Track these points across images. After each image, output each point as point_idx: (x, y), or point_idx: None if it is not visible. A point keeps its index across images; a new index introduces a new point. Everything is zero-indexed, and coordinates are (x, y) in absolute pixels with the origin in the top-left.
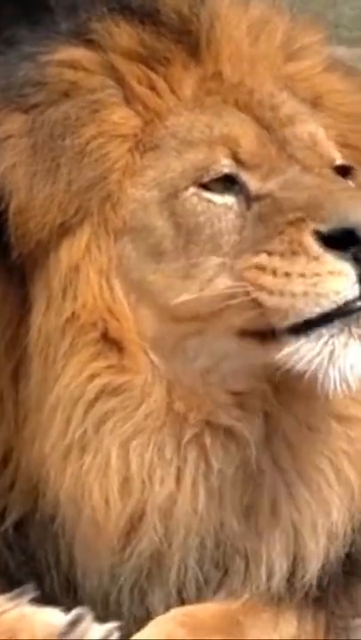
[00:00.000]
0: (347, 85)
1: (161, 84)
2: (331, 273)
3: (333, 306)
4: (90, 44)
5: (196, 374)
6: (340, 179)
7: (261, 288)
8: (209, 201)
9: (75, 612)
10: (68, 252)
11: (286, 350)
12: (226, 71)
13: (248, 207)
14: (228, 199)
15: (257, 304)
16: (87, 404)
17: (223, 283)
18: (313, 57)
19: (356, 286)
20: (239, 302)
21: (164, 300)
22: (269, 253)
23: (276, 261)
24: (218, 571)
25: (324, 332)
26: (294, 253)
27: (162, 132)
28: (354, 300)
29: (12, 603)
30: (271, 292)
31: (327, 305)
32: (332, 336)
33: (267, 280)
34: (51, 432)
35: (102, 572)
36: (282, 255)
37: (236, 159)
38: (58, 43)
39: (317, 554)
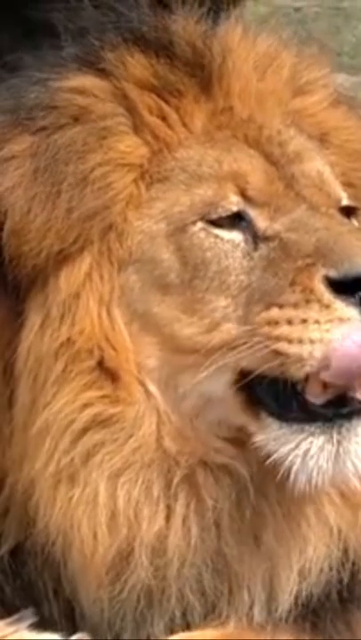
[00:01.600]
0: (352, 122)
1: (172, 115)
2: (340, 319)
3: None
4: (101, 72)
5: (185, 416)
6: (346, 220)
7: (279, 339)
8: (216, 236)
9: (75, 637)
10: (68, 280)
11: (265, 435)
12: (236, 106)
13: (255, 247)
14: (236, 236)
15: (277, 354)
16: (76, 433)
17: (232, 330)
18: (319, 92)
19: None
20: (255, 351)
21: (168, 331)
22: (281, 306)
23: (289, 312)
24: (220, 597)
25: (306, 428)
26: (308, 302)
27: (171, 163)
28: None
29: (12, 628)
30: (290, 341)
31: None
32: (311, 434)
33: (284, 330)
34: (37, 458)
35: (102, 601)
36: (295, 305)
37: (245, 196)
38: (69, 70)
39: (288, 587)
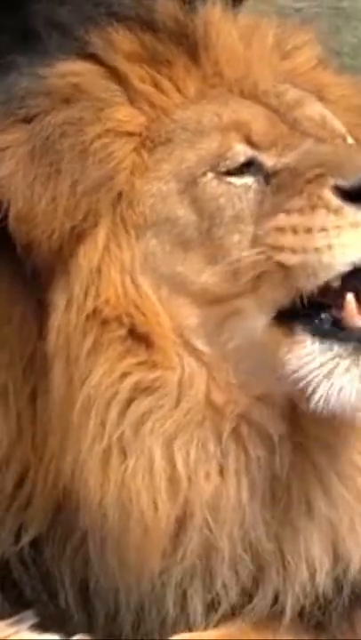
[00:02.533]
0: (344, 78)
1: (165, 83)
2: (352, 225)
3: (359, 257)
4: (89, 56)
5: (230, 362)
6: (355, 145)
7: (283, 249)
8: (229, 183)
9: (75, 638)
10: (87, 257)
11: (294, 352)
12: (226, 71)
13: (267, 183)
14: (248, 179)
15: (281, 267)
16: (122, 404)
17: (246, 254)
18: (306, 53)
19: None
20: (264, 270)
21: (197, 287)
22: (287, 212)
23: (295, 219)
24: (271, 564)
25: (335, 348)
26: (314, 207)
27: (171, 126)
28: None
29: (13, 629)
30: (294, 251)
31: (353, 256)
32: (339, 355)
33: (288, 239)
34: (85, 436)
35: (151, 578)
36: (301, 211)
37: (250, 142)
38: (57, 60)
39: (358, 551)
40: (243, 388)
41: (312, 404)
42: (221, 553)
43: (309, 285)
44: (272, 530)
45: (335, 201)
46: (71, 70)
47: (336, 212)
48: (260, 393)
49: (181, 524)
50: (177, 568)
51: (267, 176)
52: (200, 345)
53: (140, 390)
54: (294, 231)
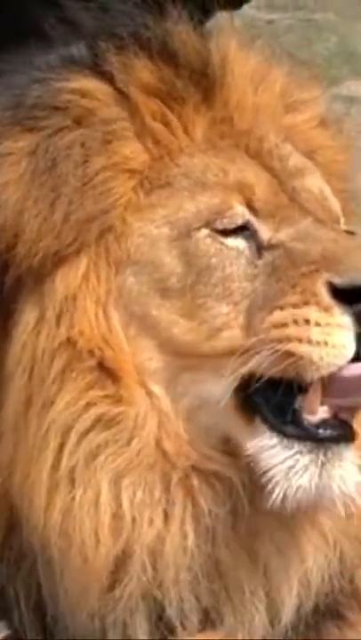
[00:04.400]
0: (338, 142)
1: (175, 122)
2: (338, 326)
3: (345, 360)
4: (104, 75)
5: (181, 416)
6: (352, 237)
7: (290, 339)
8: (222, 243)
9: None
10: (64, 281)
11: (255, 442)
12: (235, 117)
13: (260, 255)
14: (240, 243)
15: (290, 355)
16: (81, 433)
17: (237, 337)
18: (309, 111)
19: (354, 344)
20: (267, 356)
21: (167, 335)
22: (282, 308)
23: (291, 312)
24: (219, 606)
25: (296, 445)
26: (306, 303)
27: (173, 170)
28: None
29: None
30: (300, 340)
31: (342, 357)
32: (299, 452)
33: (292, 330)
34: (38, 458)
35: (94, 606)
36: (295, 306)
37: (250, 207)
38: (70, 71)
39: (290, 600)
40: (192, 443)
41: (270, 499)
42: (167, 595)
43: (313, 375)
44: (217, 575)
45: (326, 298)
46: (86, 89)
47: (326, 309)
48: (215, 447)
49: (121, 562)
50: (118, 605)
51: (260, 247)
52: (156, 390)
53: (102, 422)
54: (295, 322)
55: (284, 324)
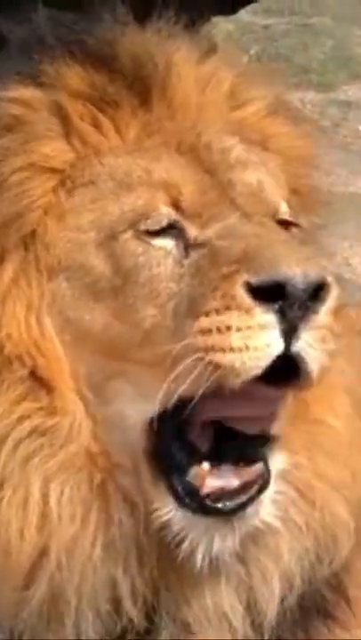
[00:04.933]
0: (292, 128)
1: (106, 123)
2: (260, 326)
3: (268, 360)
4: (40, 84)
5: (108, 422)
6: (279, 229)
7: (213, 348)
8: (148, 244)
9: None
10: None
11: (162, 509)
12: (176, 116)
13: (186, 255)
14: (168, 242)
15: (215, 365)
16: (15, 442)
17: (165, 344)
18: (257, 104)
19: (281, 341)
20: (192, 366)
21: (100, 338)
22: (207, 314)
23: (214, 319)
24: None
25: (190, 515)
26: (228, 308)
27: (97, 168)
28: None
29: None
30: (222, 350)
31: (264, 359)
32: (196, 524)
33: (215, 339)
34: None
35: (10, 605)
36: (217, 312)
37: (176, 206)
38: (12, 81)
39: (273, 598)
40: (109, 452)
41: (179, 555)
42: (67, 604)
43: (233, 381)
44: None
45: (247, 300)
46: (21, 98)
47: (247, 311)
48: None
49: (38, 560)
50: (27, 607)
51: (187, 246)
52: (90, 395)
53: (37, 432)
54: (218, 330)
55: (209, 331)
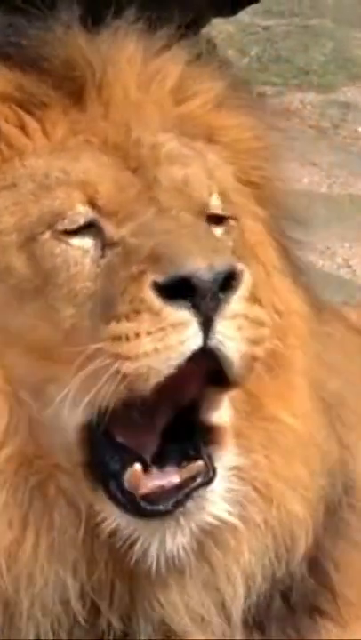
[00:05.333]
0: (242, 120)
1: (32, 124)
2: (173, 325)
3: (183, 358)
4: None
5: (48, 425)
6: (196, 222)
7: (119, 356)
8: (67, 244)
9: None
10: None
11: (109, 518)
12: (109, 114)
13: (103, 254)
14: (86, 242)
15: (122, 375)
16: None
17: (82, 341)
18: (202, 97)
19: (200, 335)
20: (101, 372)
21: (28, 340)
22: (117, 319)
23: (124, 325)
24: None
25: (133, 520)
26: (137, 312)
27: (19, 170)
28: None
29: None
30: (128, 358)
31: (177, 358)
32: (141, 526)
33: (123, 347)
34: None
35: None
36: (127, 317)
37: (94, 205)
38: None
39: (238, 598)
40: (50, 453)
41: (152, 565)
42: (19, 607)
43: (144, 389)
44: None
45: (156, 302)
46: None
47: (158, 313)
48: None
49: None
50: None
51: (104, 245)
52: (25, 396)
53: None
54: (127, 338)
55: (119, 338)
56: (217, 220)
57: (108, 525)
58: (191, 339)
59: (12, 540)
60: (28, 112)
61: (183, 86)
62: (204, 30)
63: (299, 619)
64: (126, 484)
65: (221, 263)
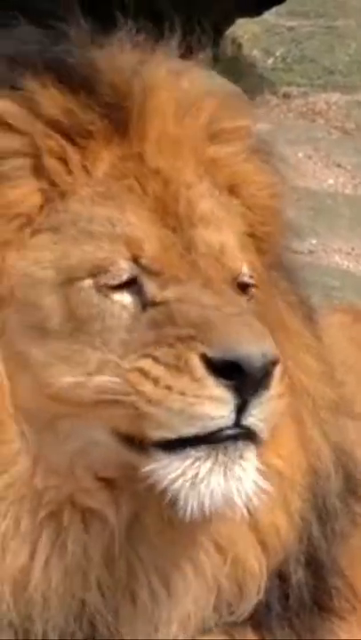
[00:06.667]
0: (263, 177)
1: (75, 157)
2: (210, 398)
3: (205, 431)
4: (18, 98)
5: (66, 455)
6: (237, 300)
7: (141, 394)
8: (105, 296)
9: None
10: None
11: (152, 465)
12: (148, 152)
13: (143, 310)
14: (126, 298)
15: (134, 408)
16: None
17: (104, 378)
18: (236, 143)
19: (233, 415)
20: (116, 400)
21: (42, 378)
22: (155, 360)
23: (159, 370)
24: None
25: (192, 453)
26: (179, 370)
27: (61, 215)
28: (227, 428)
29: None
30: (149, 401)
31: (199, 428)
32: (198, 459)
33: (147, 388)
34: None
35: None
36: (167, 366)
37: (137, 262)
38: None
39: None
40: (73, 477)
41: (186, 513)
42: (32, 630)
43: (151, 435)
44: (90, 616)
45: (200, 370)
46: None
47: (199, 380)
48: (100, 477)
49: None
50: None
51: (145, 304)
52: (27, 431)
53: None
54: (156, 382)
55: (146, 374)
56: (243, 287)
57: (160, 478)
58: (224, 417)
59: (19, 568)
60: (72, 141)
61: (216, 120)
62: (230, 30)
63: (308, 619)
64: None
65: (270, 351)
